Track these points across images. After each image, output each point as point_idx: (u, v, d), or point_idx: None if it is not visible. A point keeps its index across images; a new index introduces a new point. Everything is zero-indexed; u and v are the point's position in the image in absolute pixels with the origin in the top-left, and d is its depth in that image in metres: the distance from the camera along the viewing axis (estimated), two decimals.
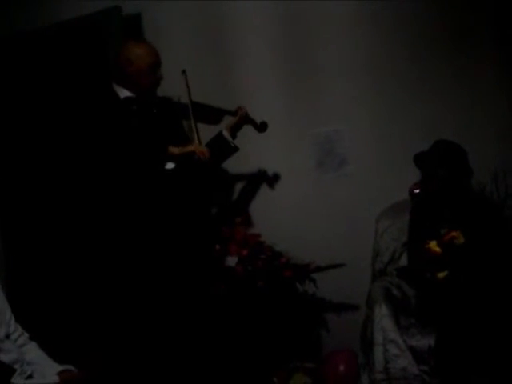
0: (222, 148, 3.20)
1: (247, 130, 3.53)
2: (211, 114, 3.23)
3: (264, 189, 3.82)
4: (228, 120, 3.27)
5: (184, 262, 2.97)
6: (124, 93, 2.98)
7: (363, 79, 3.72)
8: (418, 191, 3.48)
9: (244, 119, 3.24)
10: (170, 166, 2.95)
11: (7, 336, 2.63)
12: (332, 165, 3.78)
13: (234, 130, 3.22)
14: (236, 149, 3.22)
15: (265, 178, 3.82)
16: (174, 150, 2.90)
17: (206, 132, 3.22)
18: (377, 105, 3.70)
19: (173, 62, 3.69)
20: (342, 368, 3.43)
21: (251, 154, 3.80)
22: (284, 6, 3.79)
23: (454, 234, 3.07)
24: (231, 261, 3.44)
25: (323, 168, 3.79)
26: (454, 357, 2.88)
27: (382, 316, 3.06)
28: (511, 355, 2.82)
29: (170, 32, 3.91)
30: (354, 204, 3.70)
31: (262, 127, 3.39)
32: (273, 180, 3.81)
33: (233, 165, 3.79)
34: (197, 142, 2.99)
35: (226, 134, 3.20)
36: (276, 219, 3.75)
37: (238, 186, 3.87)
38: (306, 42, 3.79)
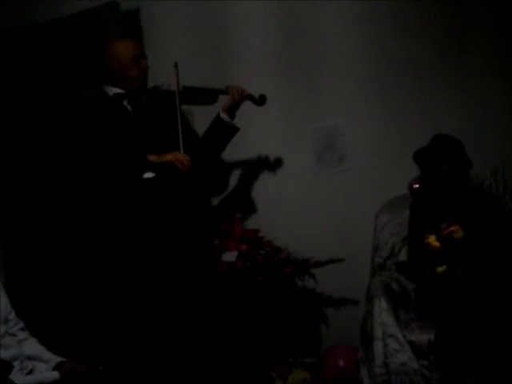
0: (222, 130, 3.16)
1: (245, 123, 3.53)
2: (204, 96, 3.17)
3: (263, 184, 3.82)
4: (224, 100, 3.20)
5: (180, 257, 2.95)
6: (113, 90, 3.03)
7: (363, 74, 3.72)
8: (417, 186, 3.48)
9: (239, 96, 3.15)
10: (148, 175, 2.90)
11: (7, 331, 2.63)
12: (332, 160, 3.78)
13: (232, 109, 3.15)
14: (236, 129, 3.17)
15: (264, 173, 3.82)
16: (152, 157, 2.88)
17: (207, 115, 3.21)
18: (377, 100, 3.70)
19: (171, 57, 3.67)
20: (341, 363, 3.43)
21: (250, 148, 3.81)
22: (283, 2, 3.78)
23: (453, 228, 3.07)
24: (231, 256, 3.44)
25: (323, 163, 3.79)
26: (454, 351, 2.88)
27: (382, 311, 3.05)
28: (508, 349, 2.83)
29: (169, 28, 3.91)
30: (354, 199, 3.70)
31: (260, 101, 3.29)
32: (272, 175, 3.81)
33: (231, 159, 3.80)
34: (181, 149, 2.90)
35: (223, 115, 3.15)
36: (275, 214, 3.75)
37: (237, 181, 3.87)
38: (306, 37, 3.79)
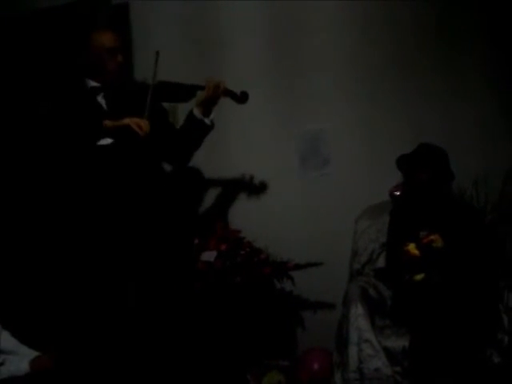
0: (196, 127, 2.99)
1: (231, 124, 3.53)
2: (181, 92, 2.98)
3: (245, 186, 3.81)
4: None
5: (147, 254, 2.91)
6: (90, 83, 2.98)
7: (350, 79, 3.73)
8: (398, 193, 3.49)
9: (215, 92, 2.95)
10: (105, 141, 2.81)
11: None
12: (315, 164, 3.78)
13: (207, 105, 2.97)
14: (211, 126, 3.00)
15: (247, 174, 3.81)
16: (108, 123, 2.79)
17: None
18: (362, 106, 3.71)
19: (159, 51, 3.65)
20: (315, 366, 3.43)
21: (234, 151, 3.81)
22: (272, 3, 3.78)
23: (432, 237, 3.08)
24: (210, 255, 3.43)
25: (306, 166, 3.79)
26: (427, 359, 2.89)
27: (358, 316, 3.06)
28: (478, 358, 2.85)
29: (157, 22, 3.90)
30: (334, 204, 3.71)
31: (242, 98, 3.08)
32: (255, 178, 3.80)
33: (215, 162, 3.79)
34: (145, 116, 2.80)
35: (196, 112, 2.98)
36: (256, 216, 3.75)
37: (220, 181, 3.86)
38: (294, 41, 3.79)
